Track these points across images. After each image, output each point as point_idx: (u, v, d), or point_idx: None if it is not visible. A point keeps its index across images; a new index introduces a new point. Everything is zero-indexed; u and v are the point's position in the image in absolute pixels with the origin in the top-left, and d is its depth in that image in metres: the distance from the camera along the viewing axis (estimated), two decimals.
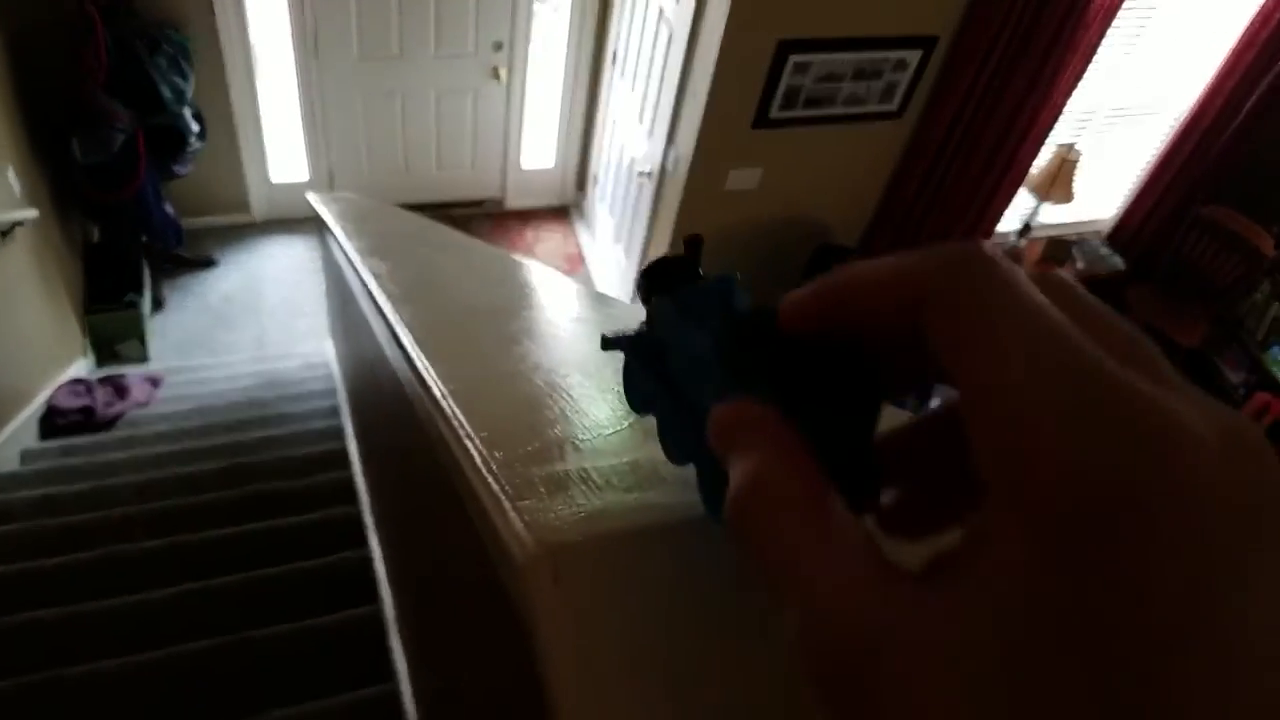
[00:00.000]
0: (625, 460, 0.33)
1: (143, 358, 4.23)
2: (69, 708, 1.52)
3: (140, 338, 4.25)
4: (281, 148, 5.27)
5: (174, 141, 4.11)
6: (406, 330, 0.60)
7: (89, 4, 3.54)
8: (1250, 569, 0.14)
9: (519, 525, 0.29)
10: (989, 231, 4.58)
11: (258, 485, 2.34)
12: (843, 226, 4.42)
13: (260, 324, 4.63)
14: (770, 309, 0.24)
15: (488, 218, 5.82)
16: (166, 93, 3.88)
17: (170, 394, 3.64)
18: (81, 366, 3.77)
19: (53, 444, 2.99)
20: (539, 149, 5.85)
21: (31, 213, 3.18)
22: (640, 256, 4.51)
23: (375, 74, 5.07)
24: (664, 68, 3.96)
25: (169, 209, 4.41)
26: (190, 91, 4.10)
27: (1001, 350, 0.17)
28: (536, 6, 5.04)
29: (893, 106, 3.89)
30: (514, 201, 5.91)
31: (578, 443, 0.35)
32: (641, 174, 4.33)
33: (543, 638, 0.25)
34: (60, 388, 3.33)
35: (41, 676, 1.54)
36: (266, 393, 3.45)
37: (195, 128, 4.21)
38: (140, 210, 4.12)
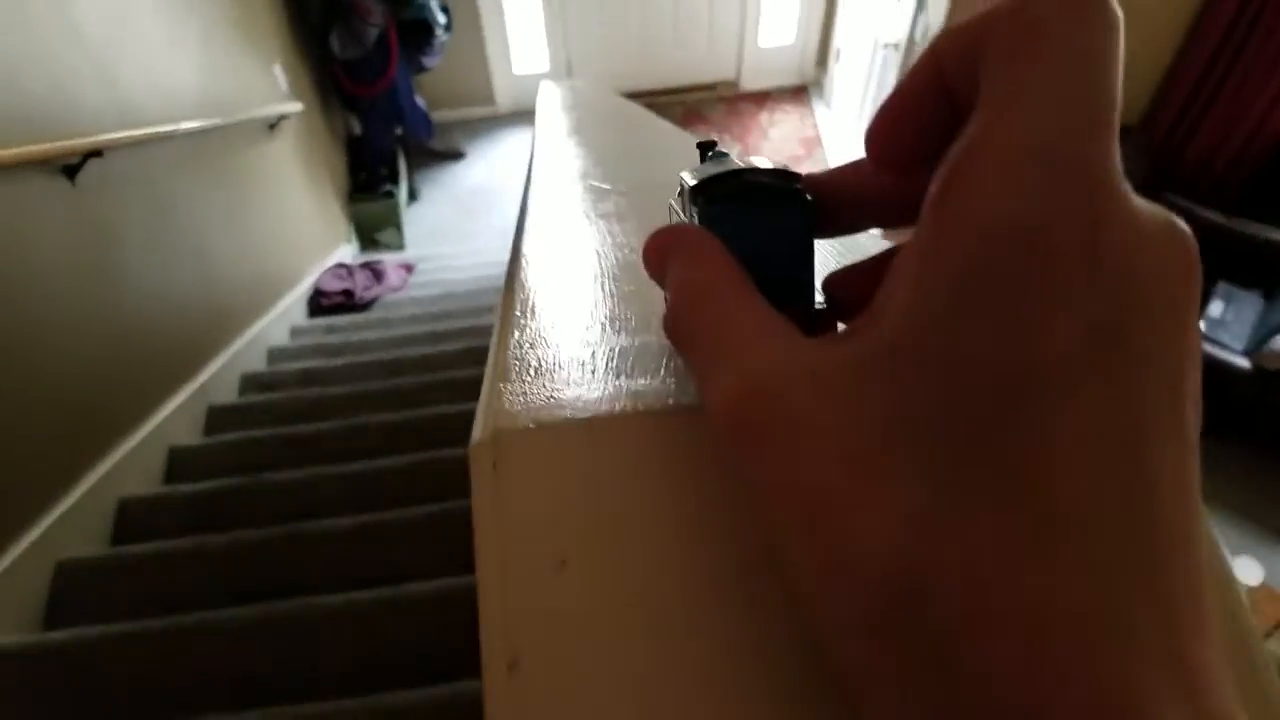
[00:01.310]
0: (638, 341, 0.30)
1: (399, 245, 4.54)
2: (304, 558, 1.66)
3: (397, 226, 4.56)
4: (524, 39, 5.35)
5: (422, 34, 4.27)
6: (539, 194, 0.59)
7: None
8: (1124, 358, 0.15)
9: (484, 408, 0.28)
10: None
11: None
12: (1124, 99, 3.82)
13: (503, 213, 4.81)
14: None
15: (720, 101, 5.64)
16: None
17: (421, 279, 3.89)
18: (345, 252, 4.10)
19: (318, 322, 3.28)
20: (778, 25, 5.54)
21: (296, 106, 3.43)
22: None
23: None
24: None
25: (420, 101, 4.64)
26: None
27: (1020, 88, 0.16)
28: None
29: None
30: (749, 83, 5.69)
31: (608, 323, 0.32)
32: (888, 45, 4.00)
33: (475, 525, 0.24)
34: (325, 271, 3.64)
35: (285, 529, 1.69)
36: (504, 280, 3.57)
37: (442, 19, 4.35)
38: (394, 103, 4.36)
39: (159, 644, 1.40)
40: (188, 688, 1.36)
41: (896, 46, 3.86)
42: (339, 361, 2.68)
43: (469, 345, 2.67)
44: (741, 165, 0.25)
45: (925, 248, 0.16)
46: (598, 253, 0.41)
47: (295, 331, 3.13)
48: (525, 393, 0.27)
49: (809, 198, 0.24)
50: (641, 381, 0.27)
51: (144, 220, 2.08)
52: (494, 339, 0.34)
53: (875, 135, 0.21)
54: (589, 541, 0.23)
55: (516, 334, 0.32)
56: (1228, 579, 0.23)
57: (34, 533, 1.55)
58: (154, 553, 1.64)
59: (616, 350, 0.30)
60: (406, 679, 1.33)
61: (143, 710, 1.35)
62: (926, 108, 0.19)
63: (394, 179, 4.66)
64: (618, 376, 0.28)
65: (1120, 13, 0.17)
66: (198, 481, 1.93)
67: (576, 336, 0.31)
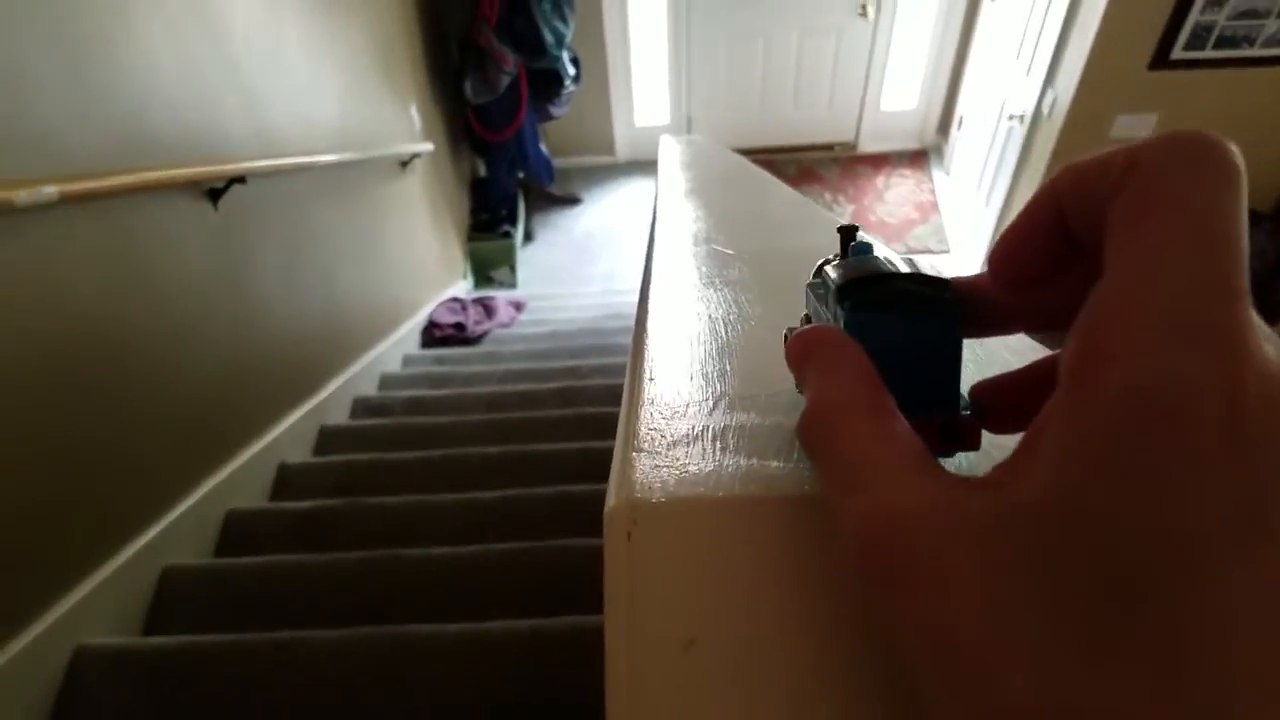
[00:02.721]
0: (769, 422, 0.30)
1: (512, 284, 4.65)
2: (404, 583, 1.67)
3: (511, 266, 4.68)
4: (647, 92, 5.46)
5: (552, 84, 4.41)
6: (663, 258, 0.60)
7: None
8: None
9: (617, 476, 0.28)
10: None
11: (581, 408, 2.45)
12: (1253, 187, 3.64)
13: (613, 259, 4.87)
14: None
15: (835, 162, 5.61)
16: (548, 37, 4.14)
17: (530, 318, 3.96)
18: (461, 287, 4.22)
19: (428, 353, 3.37)
20: (901, 89, 5.51)
21: (428, 146, 3.57)
22: (1001, 207, 4.07)
23: (742, 16, 5.06)
24: (1049, 2, 3.51)
25: (544, 148, 4.77)
26: (570, 36, 4.35)
27: (1147, 253, 0.16)
28: None
29: None
30: (867, 145, 5.65)
31: (737, 398, 0.33)
32: (1013, 117, 3.91)
33: (606, 591, 0.25)
34: (440, 304, 3.75)
35: (385, 553, 1.71)
36: (609, 323, 3.62)
37: (572, 71, 4.48)
38: (519, 148, 4.50)
39: (251, 656, 1.42)
40: (272, 705, 1.38)
41: (1022, 119, 3.77)
42: (445, 392, 2.73)
43: (568, 384, 2.69)
44: (886, 264, 0.24)
45: (1068, 412, 0.16)
46: (725, 322, 0.42)
47: (408, 360, 3.22)
48: (657, 465, 0.27)
49: (958, 307, 0.24)
50: (774, 464, 0.27)
51: (279, 245, 2.18)
52: (624, 406, 0.35)
53: (997, 260, 0.22)
54: (717, 622, 0.23)
55: (648, 405, 0.33)
56: None
57: (145, 537, 1.61)
58: (254, 566, 1.68)
59: (748, 429, 0.30)
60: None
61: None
62: (1045, 240, 0.20)
63: (512, 220, 4.79)
64: (749, 457, 0.28)
65: (1240, 162, 0.17)
66: (302, 499, 1.98)
67: (706, 410, 0.32)
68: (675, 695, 0.22)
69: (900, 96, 5.51)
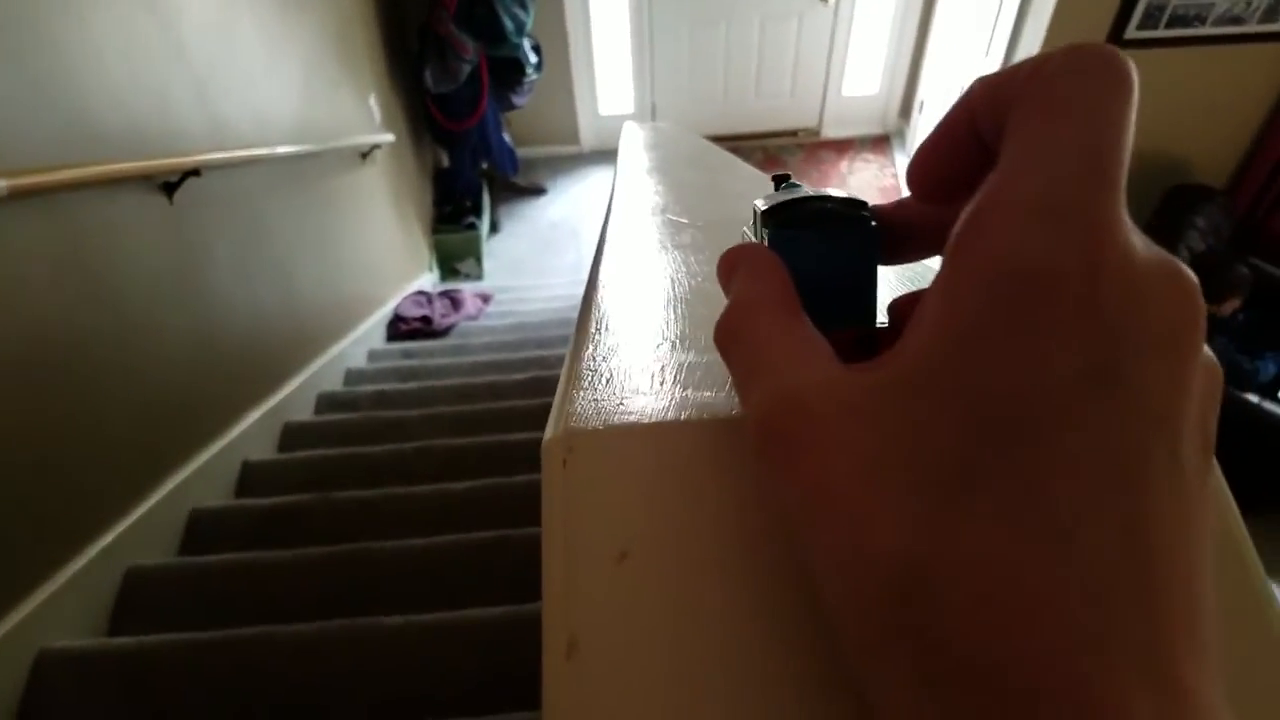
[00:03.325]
0: (707, 359, 0.31)
1: (479, 276, 4.62)
2: (373, 576, 1.66)
3: (478, 257, 4.64)
4: (611, 81, 5.44)
5: (514, 72, 4.38)
6: (618, 225, 0.61)
7: None
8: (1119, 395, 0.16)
9: (556, 410, 0.29)
10: None
11: (549, 397, 2.44)
12: (1207, 163, 3.75)
13: (579, 249, 4.85)
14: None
15: (800, 148, 5.63)
16: (508, 24, 4.10)
17: (497, 309, 3.94)
18: (426, 280, 4.18)
19: (394, 346, 3.34)
20: (863, 75, 5.53)
21: (389, 137, 3.53)
22: None
23: (703, 3, 5.05)
24: None
25: (507, 138, 4.73)
26: (530, 24, 4.31)
27: (1032, 145, 0.18)
28: None
29: (1279, 27, 3.22)
30: (831, 130, 5.68)
31: (678, 340, 0.34)
32: None
33: (543, 517, 0.26)
34: (406, 297, 3.71)
35: (355, 546, 1.70)
36: (575, 314, 3.59)
37: (533, 59, 4.45)
38: (482, 138, 4.46)
39: (219, 655, 1.40)
40: (244, 701, 1.36)
41: None
42: (412, 385, 2.71)
43: (536, 375, 2.68)
44: (809, 192, 0.26)
45: (944, 288, 0.18)
46: (672, 279, 0.43)
47: (373, 354, 3.19)
48: (596, 399, 0.29)
49: (873, 224, 0.25)
50: (707, 394, 0.28)
51: (236, 239, 2.14)
52: (569, 351, 0.37)
53: (914, 171, 0.23)
54: (649, 537, 0.25)
55: (590, 347, 0.34)
56: (1267, 601, 0.25)
57: (107, 538, 1.58)
58: (220, 564, 1.66)
59: (685, 365, 0.31)
60: (460, 707, 1.31)
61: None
62: (959, 148, 0.21)
63: (477, 211, 4.75)
64: (684, 389, 0.29)
65: (1132, 69, 0.18)
66: (267, 496, 1.96)
67: (648, 352, 0.33)
68: (609, 604, 0.23)
69: (862, 82, 5.54)
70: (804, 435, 0.18)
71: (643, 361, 0.32)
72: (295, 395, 2.46)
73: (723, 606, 0.23)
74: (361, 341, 3.12)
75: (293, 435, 2.36)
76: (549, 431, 0.28)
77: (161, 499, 1.76)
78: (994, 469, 0.15)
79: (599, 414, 0.28)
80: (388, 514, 1.88)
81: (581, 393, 0.30)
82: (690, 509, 0.25)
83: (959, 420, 0.16)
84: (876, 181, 5.28)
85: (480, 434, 2.22)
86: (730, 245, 0.25)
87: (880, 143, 5.64)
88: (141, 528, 1.68)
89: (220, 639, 1.42)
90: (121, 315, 1.64)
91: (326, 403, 2.62)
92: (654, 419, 0.27)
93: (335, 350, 2.82)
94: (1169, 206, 3.63)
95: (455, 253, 4.59)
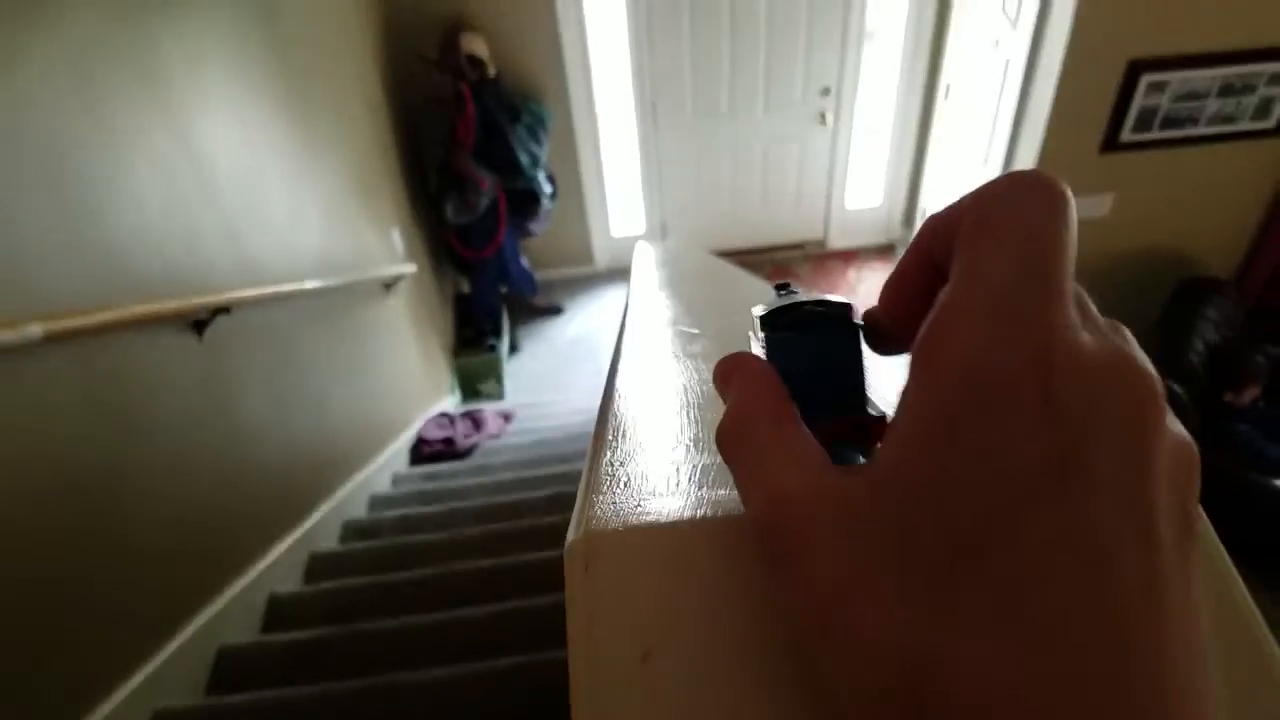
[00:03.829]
0: (720, 460, 0.31)
1: (500, 395, 4.66)
2: (400, 708, 1.62)
3: (498, 378, 4.70)
4: (622, 203, 5.62)
5: (530, 203, 4.54)
6: (632, 338, 0.64)
7: (462, 82, 4.03)
8: (1081, 479, 0.16)
9: (577, 515, 0.30)
10: None
11: (570, 513, 2.43)
12: (1213, 256, 3.80)
13: (597, 364, 4.90)
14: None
15: (807, 259, 5.75)
16: (524, 159, 4.28)
17: (519, 426, 3.96)
18: (448, 402, 4.23)
19: (418, 470, 3.35)
20: (865, 188, 5.70)
21: (411, 268, 3.64)
22: None
23: (708, 132, 5.28)
24: (999, 97, 3.70)
25: (525, 263, 4.87)
26: (545, 157, 4.49)
27: (978, 262, 0.19)
28: (865, 46, 4.92)
29: (1270, 124, 3.35)
30: (836, 242, 5.81)
31: (692, 443, 0.35)
32: None
33: (568, 619, 0.26)
34: (429, 420, 3.75)
35: (381, 679, 1.67)
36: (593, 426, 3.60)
37: (548, 189, 4.62)
38: (501, 265, 4.59)
39: None
40: None
41: None
42: (436, 508, 2.71)
43: (558, 490, 2.68)
44: (801, 298, 0.29)
45: (911, 396, 0.19)
46: (685, 386, 0.45)
47: (397, 479, 3.20)
48: (615, 502, 0.30)
49: (856, 322, 0.28)
50: (721, 492, 0.30)
51: (265, 373, 2.20)
52: (588, 458, 0.38)
53: (882, 299, 0.26)
54: (671, 636, 0.25)
55: (609, 453, 0.35)
56: (1262, 642, 0.26)
57: (134, 681, 1.57)
58: (248, 704, 1.64)
59: (699, 467, 0.32)
60: None
61: None
62: (919, 278, 0.23)
63: (497, 334, 4.84)
64: (700, 488, 0.30)
65: (1066, 189, 0.20)
66: (295, 630, 1.94)
67: (664, 455, 0.34)
68: (633, 704, 0.24)
69: (865, 195, 5.69)
70: (798, 539, 0.19)
71: (659, 465, 0.33)
72: (321, 524, 2.46)
73: (741, 699, 0.24)
74: (385, 467, 3.14)
75: (319, 565, 2.35)
76: (570, 535, 0.28)
77: (189, 637, 1.74)
78: (972, 571, 0.16)
79: (618, 515, 0.28)
80: (412, 643, 1.85)
81: (600, 496, 0.30)
82: (710, 605, 0.26)
83: (935, 521, 0.17)
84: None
85: (505, 554, 2.20)
86: (738, 350, 0.28)
87: (885, 251, 5.76)
88: (169, 668, 1.66)
89: None
90: (151, 452, 1.67)
91: (353, 530, 2.61)
92: (671, 518, 0.28)
93: (361, 477, 2.83)
94: (1180, 300, 3.65)
95: (477, 374, 4.65)
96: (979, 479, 0.17)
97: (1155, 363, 0.20)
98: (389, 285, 3.36)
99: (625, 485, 0.31)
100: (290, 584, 2.24)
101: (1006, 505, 0.16)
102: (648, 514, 0.28)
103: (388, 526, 2.62)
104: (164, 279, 1.75)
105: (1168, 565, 0.17)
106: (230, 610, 1.92)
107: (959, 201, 0.21)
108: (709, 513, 0.28)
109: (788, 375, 0.25)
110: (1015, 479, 0.16)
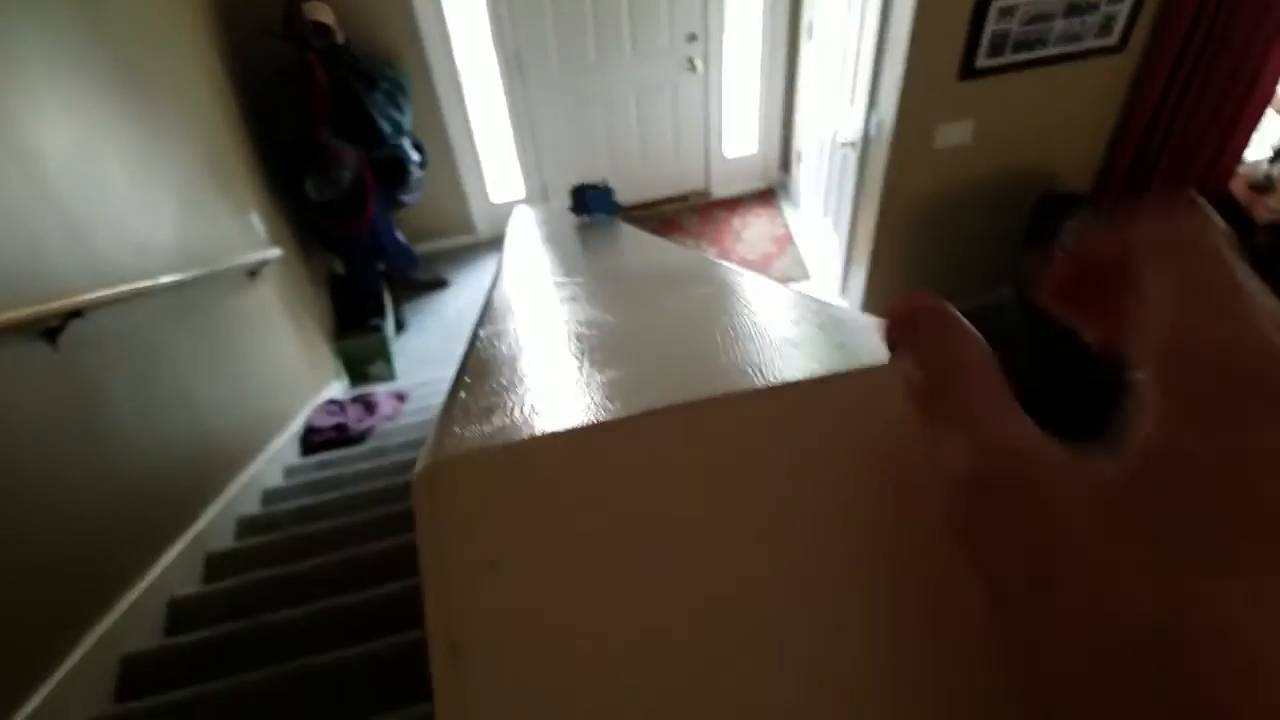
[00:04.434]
0: (567, 387, 0.34)
1: (390, 376, 4.58)
2: (315, 690, 1.62)
3: (387, 358, 4.60)
4: (498, 168, 5.53)
5: (397, 172, 4.41)
6: (498, 290, 0.64)
7: (309, 52, 3.87)
8: None
9: (425, 448, 0.30)
10: (1234, 161, 3.96)
11: None
12: (1071, 171, 4.00)
13: None
14: None
15: (693, 211, 5.81)
16: (385, 126, 4.16)
17: (414, 406, 3.91)
18: (335, 389, 4.13)
19: (310, 460, 3.28)
20: (742, 135, 5.77)
21: (275, 252, 3.52)
22: (849, 226, 4.30)
23: (576, 85, 5.22)
24: (860, 32, 3.78)
25: (400, 236, 4.75)
26: (408, 123, 4.38)
27: (1188, 286, 0.20)
28: None
29: (1112, 40, 3.52)
30: (719, 190, 5.88)
31: (541, 377, 0.37)
32: (845, 144, 4.15)
33: (419, 544, 0.27)
34: (317, 409, 3.66)
35: (294, 665, 1.65)
36: None
37: (416, 157, 4.50)
38: (375, 240, 4.47)
39: None
40: None
41: (853, 145, 4.01)
42: (332, 495, 2.66)
43: None
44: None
45: (1158, 383, 0.19)
46: (550, 329, 0.47)
47: (289, 471, 3.12)
48: (462, 430, 0.31)
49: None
50: (559, 415, 0.31)
51: (129, 376, 2.10)
52: (443, 400, 0.39)
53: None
54: (518, 546, 0.26)
55: (462, 393, 0.37)
56: None
57: (36, 699, 1.51)
58: (161, 706, 1.60)
59: (545, 395, 0.34)
60: None
61: None
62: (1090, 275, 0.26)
63: (380, 313, 4.73)
64: (542, 416, 0.31)
65: (1220, 222, 0.22)
66: (199, 630, 1.89)
67: (515, 392, 0.35)
68: (484, 609, 0.25)
69: (742, 142, 5.78)
70: (1035, 489, 0.19)
71: (505, 398, 0.34)
72: (214, 524, 2.39)
73: (582, 599, 0.25)
74: (274, 460, 3.06)
75: (216, 564, 2.29)
76: (418, 466, 0.29)
77: (89, 650, 1.70)
78: (1236, 542, 0.16)
79: (464, 442, 0.29)
80: (321, 629, 1.84)
81: (448, 429, 0.31)
82: (555, 516, 0.27)
83: (1196, 499, 0.17)
84: (769, 232, 5.47)
85: (406, 534, 2.19)
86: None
87: (766, 197, 5.86)
88: (72, 682, 1.62)
89: None
90: (12, 469, 1.59)
91: (247, 526, 2.55)
92: (513, 439, 0.29)
93: (248, 473, 2.75)
94: (1039, 215, 3.86)
95: (363, 357, 4.54)
96: (1235, 454, 0.17)
97: (1022, 276, 0.22)
98: (253, 272, 3.24)
99: (474, 417, 0.32)
100: (190, 586, 2.18)
101: (1263, 489, 0.17)
102: (492, 438, 0.29)
103: (284, 519, 2.56)
104: (4, 287, 1.65)
105: None
106: (130, 618, 1.86)
107: (1113, 232, 0.24)
108: (549, 429, 0.29)
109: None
110: (1269, 457, 0.17)
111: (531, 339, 0.45)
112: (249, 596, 2.05)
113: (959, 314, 0.25)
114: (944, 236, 4.06)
